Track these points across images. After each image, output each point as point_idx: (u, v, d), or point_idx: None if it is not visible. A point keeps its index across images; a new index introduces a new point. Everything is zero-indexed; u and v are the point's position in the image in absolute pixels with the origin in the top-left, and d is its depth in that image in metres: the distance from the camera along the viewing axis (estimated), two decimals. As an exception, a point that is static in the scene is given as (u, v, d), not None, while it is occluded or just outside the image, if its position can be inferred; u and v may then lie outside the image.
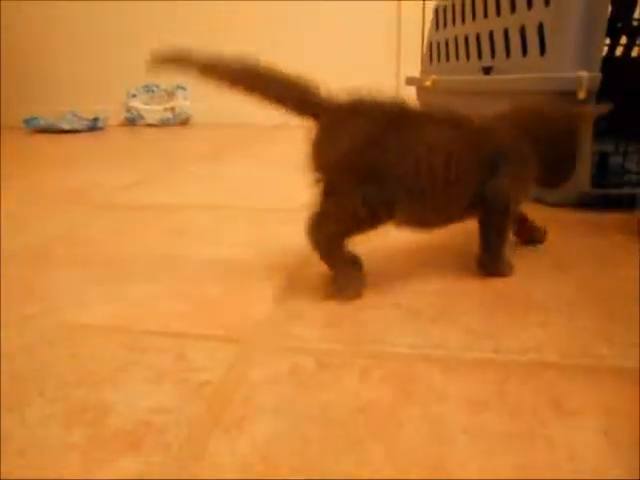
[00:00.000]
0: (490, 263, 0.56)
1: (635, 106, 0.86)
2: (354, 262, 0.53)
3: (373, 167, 0.49)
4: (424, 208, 0.53)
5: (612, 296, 0.51)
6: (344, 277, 0.52)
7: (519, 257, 0.60)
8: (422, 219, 0.55)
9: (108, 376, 0.38)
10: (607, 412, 0.34)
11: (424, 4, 2.06)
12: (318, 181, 0.52)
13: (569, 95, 0.72)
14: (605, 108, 0.61)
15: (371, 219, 0.51)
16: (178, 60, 0.51)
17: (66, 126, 2.07)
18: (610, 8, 0.87)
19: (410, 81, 1.30)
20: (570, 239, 0.67)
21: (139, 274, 0.58)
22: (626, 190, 0.80)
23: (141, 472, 0.29)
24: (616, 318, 0.46)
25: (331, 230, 0.51)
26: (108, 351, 0.42)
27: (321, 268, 0.58)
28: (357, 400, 0.35)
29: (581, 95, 0.70)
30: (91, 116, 2.18)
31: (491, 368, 0.38)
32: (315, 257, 0.61)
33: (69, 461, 0.30)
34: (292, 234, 0.71)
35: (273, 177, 1.10)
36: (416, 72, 1.36)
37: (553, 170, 0.60)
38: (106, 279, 0.57)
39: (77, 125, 2.10)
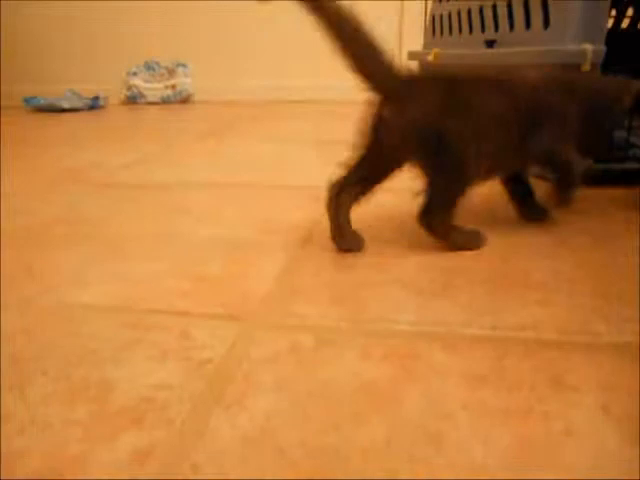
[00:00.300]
0: (567, 193, 0.61)
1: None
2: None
3: (446, 136, 0.52)
4: (483, 164, 0.57)
5: (612, 272, 0.51)
6: (466, 235, 0.57)
7: (520, 234, 0.60)
8: (487, 171, 0.59)
9: (110, 354, 0.39)
10: (605, 388, 0.34)
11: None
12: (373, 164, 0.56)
13: (573, 68, 0.71)
14: None
15: (464, 184, 0.55)
16: None
17: (66, 105, 2.05)
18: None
19: (412, 55, 1.28)
20: (571, 215, 0.66)
21: (140, 253, 0.58)
22: (629, 165, 0.80)
23: (144, 447, 0.30)
24: (615, 294, 0.46)
25: (442, 216, 0.55)
26: (110, 330, 0.42)
27: (323, 246, 0.58)
28: (357, 378, 0.35)
29: (585, 68, 0.69)
30: (91, 95, 2.16)
31: (490, 345, 0.39)
32: (316, 235, 0.62)
33: (71, 437, 0.31)
34: (294, 212, 0.71)
35: (275, 154, 1.10)
36: (418, 47, 1.34)
37: (588, 140, 0.62)
38: (107, 258, 0.57)
39: (77, 104, 2.08)
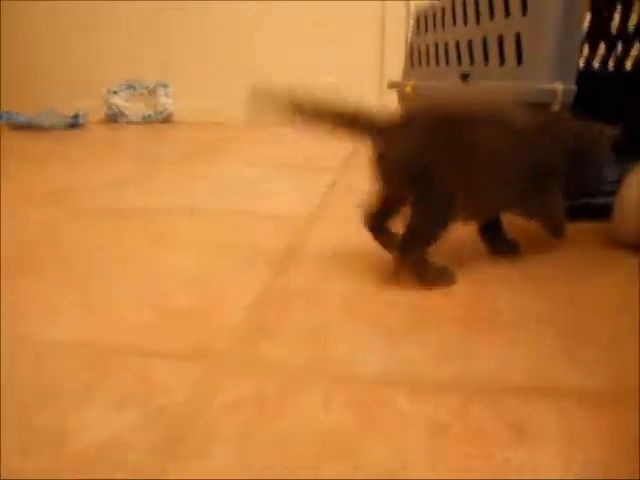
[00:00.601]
0: (555, 231, 0.65)
1: (615, 117, 0.86)
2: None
3: (434, 171, 0.54)
4: (476, 203, 0.59)
5: (580, 311, 0.51)
6: (437, 272, 0.57)
7: (489, 270, 0.61)
8: (472, 213, 0.60)
9: (70, 399, 0.38)
10: (568, 436, 0.34)
11: (408, 5, 2.06)
12: (386, 194, 0.59)
13: (543, 106, 0.72)
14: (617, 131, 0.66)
15: (446, 222, 0.56)
16: (273, 98, 0.56)
17: (46, 123, 2.04)
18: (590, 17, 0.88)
19: (392, 85, 1.30)
20: (541, 250, 0.67)
21: (111, 283, 0.57)
22: (601, 199, 0.81)
23: (97, 502, 0.29)
24: (582, 335, 0.46)
25: (418, 251, 0.56)
26: (72, 370, 0.41)
27: (296, 279, 0.58)
28: (319, 427, 0.35)
29: (556, 107, 0.71)
30: (72, 112, 2.15)
31: (456, 391, 0.38)
32: (291, 267, 0.61)
33: (23, 492, 0.30)
34: (270, 241, 0.71)
35: (254, 179, 1.10)
36: (400, 74, 1.36)
37: (569, 184, 0.64)
38: (78, 289, 0.56)
39: (57, 122, 2.07)
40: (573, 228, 0.76)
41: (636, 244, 0.66)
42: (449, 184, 0.55)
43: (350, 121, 0.56)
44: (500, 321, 0.49)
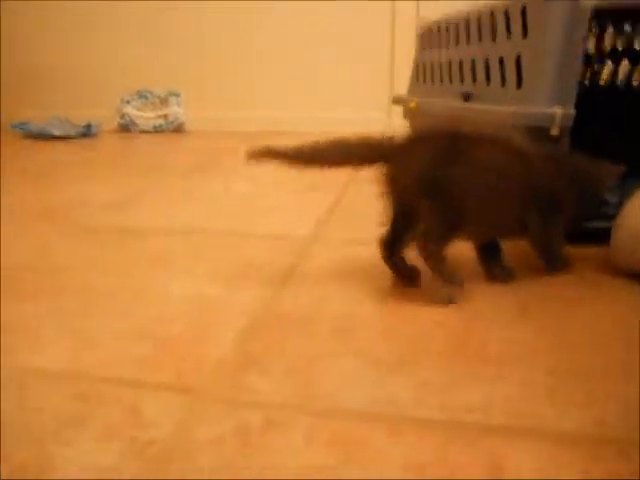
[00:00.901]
0: (550, 264, 0.67)
1: (617, 138, 0.86)
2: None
3: (441, 185, 0.57)
4: (480, 215, 0.61)
5: (571, 342, 0.51)
6: (450, 274, 0.59)
7: (484, 295, 0.61)
8: (476, 225, 0.62)
9: (55, 432, 0.38)
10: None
11: (417, 17, 2.06)
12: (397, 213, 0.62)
13: (542, 130, 0.72)
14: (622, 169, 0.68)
15: (457, 223, 0.59)
16: (269, 155, 0.61)
17: (58, 132, 2.07)
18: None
19: (397, 100, 1.30)
20: (537, 276, 0.67)
21: (105, 310, 0.58)
22: (603, 223, 0.80)
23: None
24: (569, 370, 0.46)
25: (434, 247, 0.59)
26: (58, 402, 0.42)
27: (289, 305, 0.58)
28: (298, 464, 0.35)
29: (554, 132, 0.71)
30: (84, 122, 2.18)
31: (436, 430, 0.39)
32: (285, 291, 0.62)
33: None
34: (267, 264, 0.71)
35: (257, 197, 1.11)
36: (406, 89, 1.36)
37: (571, 219, 0.67)
38: (71, 315, 0.57)
39: (69, 131, 2.10)
40: (573, 253, 0.75)
41: (634, 272, 0.66)
42: (458, 193, 0.58)
43: (359, 153, 0.59)
44: (488, 354, 0.49)
